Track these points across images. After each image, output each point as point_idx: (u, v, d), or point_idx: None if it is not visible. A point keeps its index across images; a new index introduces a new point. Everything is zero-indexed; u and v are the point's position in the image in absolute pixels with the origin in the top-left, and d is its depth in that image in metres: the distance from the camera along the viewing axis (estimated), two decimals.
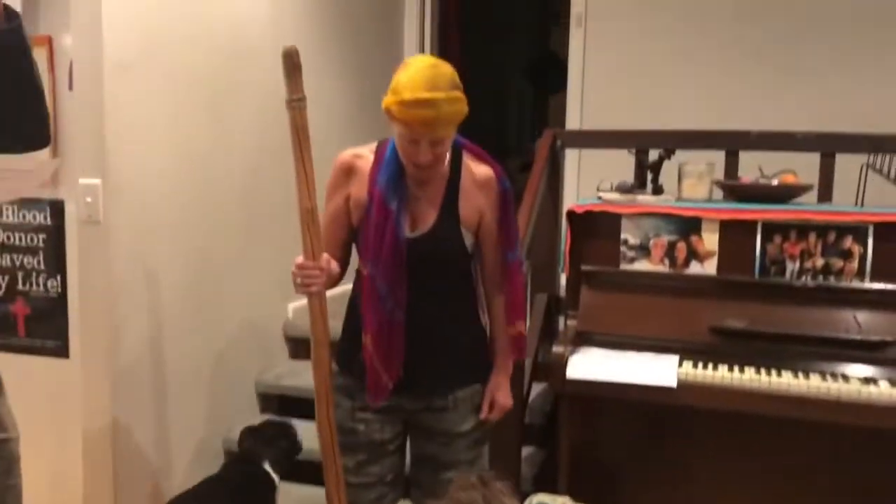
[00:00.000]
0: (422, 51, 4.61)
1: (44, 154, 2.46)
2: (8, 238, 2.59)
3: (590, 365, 2.39)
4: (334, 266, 1.81)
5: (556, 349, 2.43)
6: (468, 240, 1.90)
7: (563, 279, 2.87)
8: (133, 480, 2.56)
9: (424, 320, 1.86)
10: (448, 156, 1.84)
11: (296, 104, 1.67)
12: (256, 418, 3.17)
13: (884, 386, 2.18)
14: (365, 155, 1.89)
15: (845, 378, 2.25)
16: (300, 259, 1.73)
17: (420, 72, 1.67)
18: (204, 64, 2.77)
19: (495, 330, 2.02)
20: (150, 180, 2.55)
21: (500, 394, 2.00)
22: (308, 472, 2.61)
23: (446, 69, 1.71)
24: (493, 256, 1.95)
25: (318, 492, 2.06)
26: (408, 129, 1.69)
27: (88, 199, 2.40)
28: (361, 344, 1.85)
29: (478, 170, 1.89)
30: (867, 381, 2.23)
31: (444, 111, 1.66)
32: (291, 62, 1.66)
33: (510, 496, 1.62)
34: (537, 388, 2.93)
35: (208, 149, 2.81)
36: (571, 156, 4.01)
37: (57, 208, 2.53)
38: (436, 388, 1.92)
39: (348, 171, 1.88)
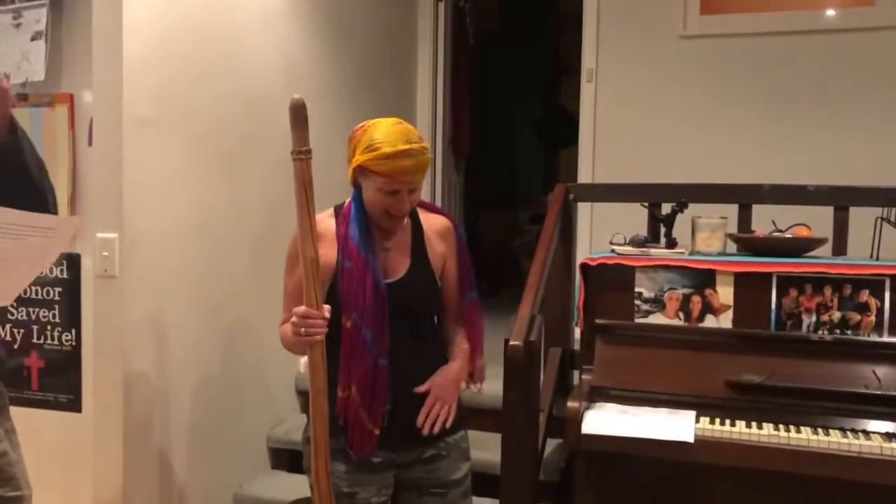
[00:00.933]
0: (435, 107, 4.69)
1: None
2: (24, 291, 2.60)
3: (605, 420, 2.36)
4: None
5: (571, 404, 2.40)
6: (438, 283, 2.01)
7: (577, 333, 2.85)
8: None
9: (405, 367, 1.91)
10: None
11: (302, 156, 1.70)
12: (268, 473, 3.14)
13: None
14: (324, 219, 1.97)
15: (867, 434, 2.21)
16: (303, 308, 1.73)
17: (391, 127, 1.86)
18: (220, 122, 2.82)
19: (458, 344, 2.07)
20: (165, 235, 2.57)
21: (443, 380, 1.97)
22: None
23: (409, 125, 1.90)
24: (455, 299, 2.07)
25: None
26: (389, 180, 1.82)
27: (105, 254, 2.42)
28: (336, 402, 1.86)
29: (435, 220, 2.05)
30: (890, 437, 2.19)
31: (421, 160, 1.83)
32: (298, 114, 1.70)
33: None
34: (552, 444, 2.89)
35: (222, 205, 2.85)
36: (584, 209, 4.02)
37: (73, 262, 2.56)
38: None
39: None
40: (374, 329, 1.85)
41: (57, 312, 2.59)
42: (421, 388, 1.95)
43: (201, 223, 2.74)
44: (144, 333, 2.51)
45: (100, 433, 2.47)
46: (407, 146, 1.81)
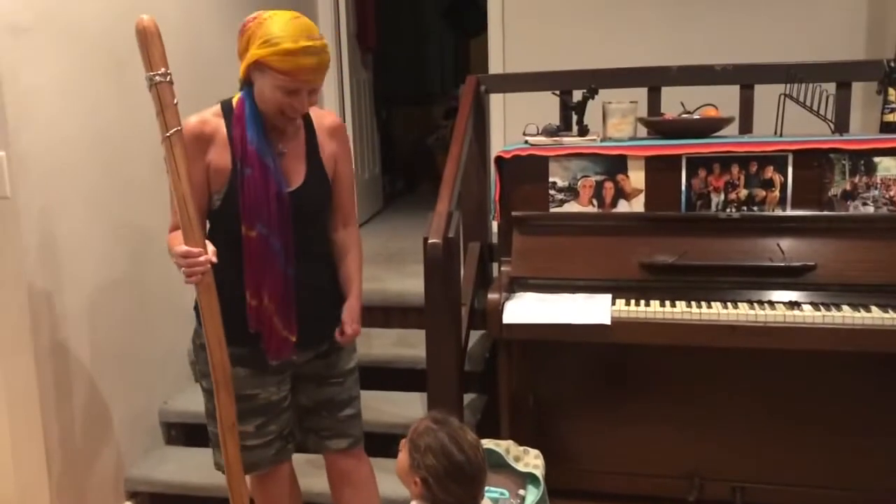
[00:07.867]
0: (337, 4, 4.50)
1: None
2: None
3: (525, 309, 2.40)
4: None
5: (492, 296, 2.43)
6: (331, 189, 1.97)
7: (494, 226, 2.87)
8: (70, 462, 2.48)
9: (305, 273, 1.89)
10: None
11: (157, 80, 1.59)
12: (193, 388, 3.10)
13: (807, 310, 2.26)
14: (211, 119, 1.84)
15: (771, 304, 2.32)
16: (184, 248, 1.70)
17: (291, 22, 1.72)
18: (105, 26, 2.61)
19: (350, 265, 2.04)
20: (57, 151, 2.42)
21: (357, 320, 2.04)
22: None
23: (308, 20, 1.76)
24: (347, 203, 2.02)
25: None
26: (290, 79, 1.71)
27: None
28: (245, 310, 1.84)
29: (324, 117, 1.97)
30: (792, 305, 2.30)
31: (323, 58, 1.74)
32: (146, 37, 1.58)
33: (467, 429, 1.64)
34: (475, 336, 2.94)
35: (116, 115, 2.68)
36: (496, 101, 3.98)
37: None
38: (323, 336, 1.98)
39: (201, 139, 1.81)
40: (282, 238, 1.82)
41: None
42: (344, 338, 1.99)
43: (94, 135, 2.58)
44: (46, 255, 2.39)
45: (8, 362, 2.38)
46: (309, 42, 1.69)
